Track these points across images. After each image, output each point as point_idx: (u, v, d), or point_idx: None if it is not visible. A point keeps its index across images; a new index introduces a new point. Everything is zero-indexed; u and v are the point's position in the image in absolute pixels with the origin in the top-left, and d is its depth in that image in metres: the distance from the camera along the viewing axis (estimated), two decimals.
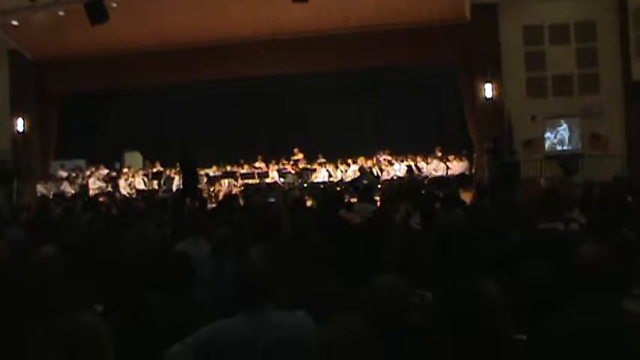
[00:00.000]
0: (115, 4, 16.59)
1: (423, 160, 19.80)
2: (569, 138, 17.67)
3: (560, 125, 17.73)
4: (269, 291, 3.46)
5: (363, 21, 18.56)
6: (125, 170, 21.23)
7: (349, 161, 20.13)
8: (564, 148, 17.69)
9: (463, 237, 5.44)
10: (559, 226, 6.26)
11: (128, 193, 20.02)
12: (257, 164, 20.60)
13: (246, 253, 3.76)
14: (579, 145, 17.57)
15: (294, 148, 20.92)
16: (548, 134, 17.76)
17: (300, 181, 19.73)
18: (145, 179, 20.62)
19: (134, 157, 23.26)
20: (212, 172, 20.32)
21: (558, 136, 17.75)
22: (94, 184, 20.53)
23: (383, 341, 3.10)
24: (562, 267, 3.53)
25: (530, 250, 4.94)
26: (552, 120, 17.72)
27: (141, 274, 5.03)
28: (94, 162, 21.66)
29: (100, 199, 17.30)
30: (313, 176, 19.92)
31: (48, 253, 4.80)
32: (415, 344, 3.22)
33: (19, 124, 20.57)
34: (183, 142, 17.56)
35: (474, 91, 18.29)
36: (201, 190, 18.25)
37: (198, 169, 17.67)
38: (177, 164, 18.59)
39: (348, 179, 19.49)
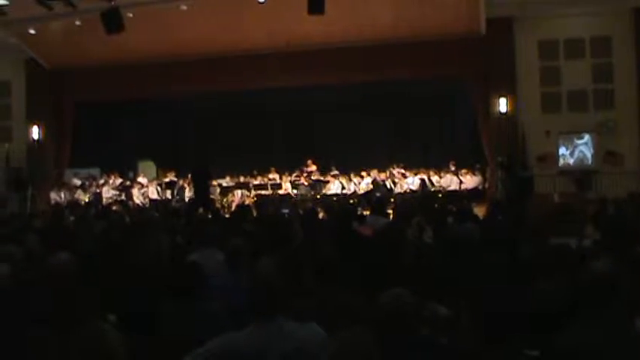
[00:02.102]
0: (130, 14, 16.70)
1: (436, 174, 19.75)
2: (586, 153, 17.52)
3: (582, 138, 17.50)
4: (281, 302, 3.46)
5: (378, 34, 18.59)
6: (139, 179, 21.30)
7: (362, 174, 20.09)
8: (584, 164, 17.50)
9: (475, 251, 5.44)
10: (572, 241, 6.24)
11: (141, 202, 20.09)
12: (270, 175, 20.60)
13: (259, 264, 3.77)
14: (593, 162, 17.45)
15: (308, 159, 20.92)
16: (563, 150, 17.61)
17: (312, 192, 19.73)
18: (159, 189, 20.68)
19: (148, 167, 23.31)
20: (225, 182, 20.35)
21: (577, 152, 17.54)
22: (108, 193, 20.61)
23: (391, 354, 3.10)
24: (574, 283, 3.53)
25: (543, 266, 4.92)
26: (569, 135, 17.57)
27: (153, 283, 5.05)
28: (108, 171, 21.73)
29: (114, 207, 17.38)
30: (326, 188, 19.91)
31: (63, 260, 4.83)
32: (423, 357, 3.22)
33: (35, 132, 20.74)
34: (198, 152, 17.66)
35: (489, 106, 18.28)
36: (213, 200, 18.29)
37: (211, 179, 17.74)
38: (189, 174, 18.63)
39: (361, 192, 19.48)
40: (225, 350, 3.30)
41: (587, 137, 17.47)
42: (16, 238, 7.39)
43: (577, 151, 17.53)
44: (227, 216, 13.67)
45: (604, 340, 3.05)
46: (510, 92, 17.92)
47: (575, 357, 3.07)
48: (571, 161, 17.56)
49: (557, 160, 17.66)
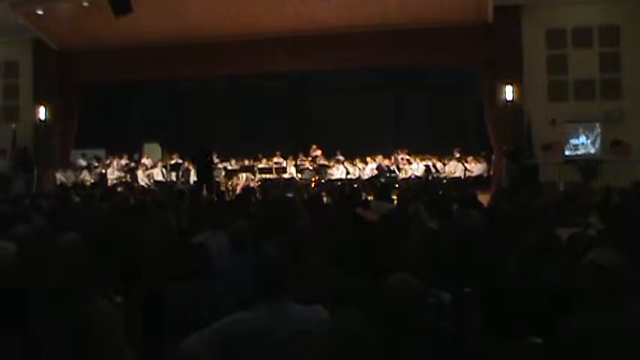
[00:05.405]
0: None
1: (441, 161, 19.75)
2: (592, 143, 17.43)
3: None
4: (286, 284, 3.49)
5: (386, 20, 18.51)
6: (144, 161, 21.34)
7: (367, 159, 20.10)
8: (590, 152, 17.39)
9: (481, 238, 5.46)
10: (577, 230, 6.25)
11: (146, 184, 20.13)
12: (275, 159, 20.63)
13: (265, 246, 3.80)
14: (599, 151, 17.40)
15: (313, 144, 20.93)
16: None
17: (317, 177, 19.74)
18: (164, 171, 20.72)
19: (153, 149, 23.37)
20: (230, 165, 20.39)
21: (599, 140, 17.39)
22: (113, 174, 20.66)
23: (395, 340, 3.12)
24: (578, 272, 3.55)
25: (547, 254, 4.94)
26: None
27: (160, 264, 5.08)
28: (114, 152, 21.81)
29: (119, 189, 17.44)
30: (330, 173, 19.91)
31: (72, 239, 4.86)
32: (428, 344, 3.24)
33: (41, 113, 20.72)
34: (201, 134, 17.73)
35: (495, 93, 18.19)
36: (218, 183, 18.34)
37: (214, 161, 17.81)
38: (190, 157, 18.72)
39: (366, 177, 19.49)
40: (231, 331, 3.33)
41: None
42: (25, 217, 7.44)
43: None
44: (232, 198, 13.73)
45: (607, 329, 3.07)
46: (517, 80, 17.83)
47: (578, 345, 3.09)
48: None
49: (563, 148, 17.56)
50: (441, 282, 4.29)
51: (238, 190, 18.56)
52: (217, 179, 18.65)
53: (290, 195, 15.15)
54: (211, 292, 4.44)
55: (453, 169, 19.48)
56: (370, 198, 11.95)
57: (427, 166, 19.19)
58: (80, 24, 19.07)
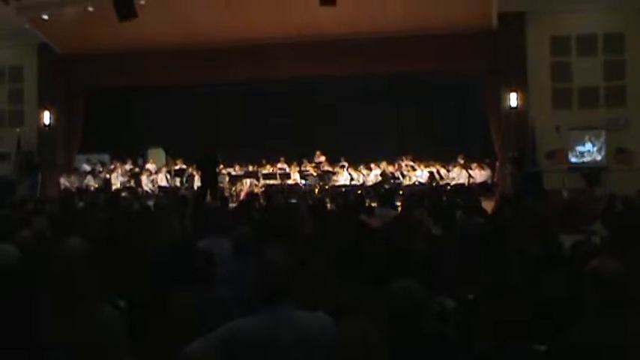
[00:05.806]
0: (143, 1, 16.72)
1: (445, 168, 19.72)
2: (598, 150, 17.41)
3: None
4: (289, 290, 3.49)
5: (390, 26, 18.50)
6: (148, 166, 21.36)
7: (371, 165, 20.09)
8: (596, 159, 17.37)
9: (484, 245, 5.45)
10: (580, 238, 6.24)
11: (150, 189, 20.14)
12: (279, 165, 20.63)
13: (268, 252, 3.80)
14: (605, 158, 17.37)
15: (317, 150, 20.93)
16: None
17: (321, 183, 19.72)
18: (168, 176, 20.73)
19: (157, 154, 23.39)
20: (234, 171, 20.39)
21: (604, 148, 17.36)
22: (117, 179, 20.68)
23: (397, 346, 3.12)
24: (581, 279, 3.54)
25: (550, 262, 4.93)
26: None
27: (163, 269, 5.09)
28: (118, 157, 21.84)
29: (123, 194, 17.46)
30: (334, 179, 19.90)
31: (74, 244, 4.87)
32: (432, 351, 3.24)
33: (46, 117, 20.76)
34: (207, 140, 17.75)
35: (499, 100, 18.17)
36: (222, 189, 18.34)
37: (219, 167, 17.81)
38: (195, 163, 18.73)
39: (370, 183, 19.47)
40: (234, 337, 3.33)
41: None
42: (27, 221, 7.45)
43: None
44: (235, 204, 13.73)
45: (611, 338, 3.06)
46: (521, 87, 17.82)
47: (581, 354, 3.08)
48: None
49: (567, 156, 17.55)
50: (444, 289, 4.28)
51: (242, 195, 18.56)
52: (221, 185, 18.65)
53: (294, 201, 15.15)
54: (215, 298, 4.44)
55: (457, 175, 19.44)
56: (374, 204, 11.94)
57: (431, 173, 19.15)
58: (85, 29, 19.08)
